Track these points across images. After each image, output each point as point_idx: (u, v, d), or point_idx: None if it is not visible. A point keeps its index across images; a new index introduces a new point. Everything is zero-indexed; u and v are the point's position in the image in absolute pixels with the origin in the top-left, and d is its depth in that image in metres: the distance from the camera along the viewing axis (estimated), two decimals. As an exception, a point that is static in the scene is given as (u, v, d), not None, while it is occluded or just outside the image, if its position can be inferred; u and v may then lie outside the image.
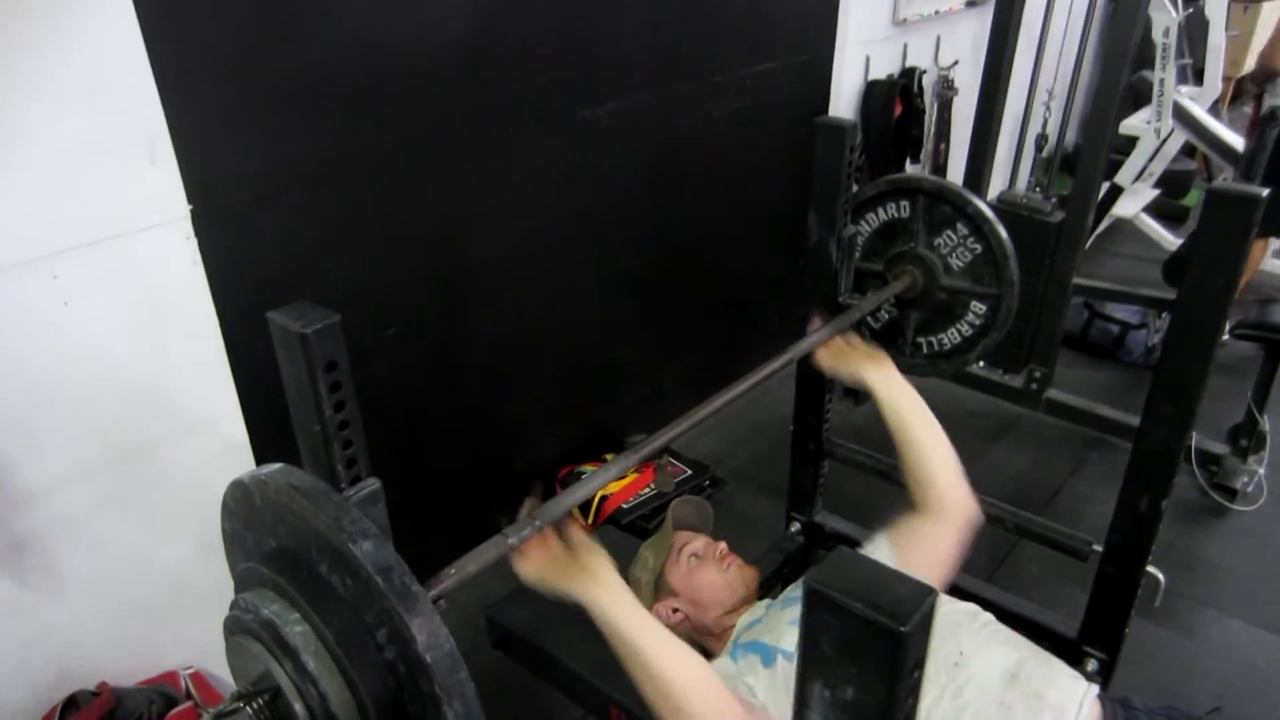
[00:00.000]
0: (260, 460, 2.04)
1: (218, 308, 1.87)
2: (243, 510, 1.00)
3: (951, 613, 1.54)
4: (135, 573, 1.92)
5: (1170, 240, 4.32)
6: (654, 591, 1.77)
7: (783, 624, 1.52)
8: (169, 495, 1.92)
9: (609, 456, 2.91)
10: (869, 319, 1.99)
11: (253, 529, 1.01)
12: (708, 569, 1.75)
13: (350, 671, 0.92)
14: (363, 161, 2.07)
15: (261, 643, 0.94)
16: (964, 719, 1.36)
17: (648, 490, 2.75)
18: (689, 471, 2.86)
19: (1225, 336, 2.78)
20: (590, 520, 2.70)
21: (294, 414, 1.07)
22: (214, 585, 2.05)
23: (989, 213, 1.80)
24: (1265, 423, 2.87)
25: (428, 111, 2.15)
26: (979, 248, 1.85)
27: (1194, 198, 5.05)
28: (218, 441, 1.97)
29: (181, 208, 1.76)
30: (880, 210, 1.90)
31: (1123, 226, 4.53)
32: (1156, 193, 4.42)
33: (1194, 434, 2.67)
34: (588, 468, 2.82)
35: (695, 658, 1.31)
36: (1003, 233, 1.81)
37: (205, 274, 1.83)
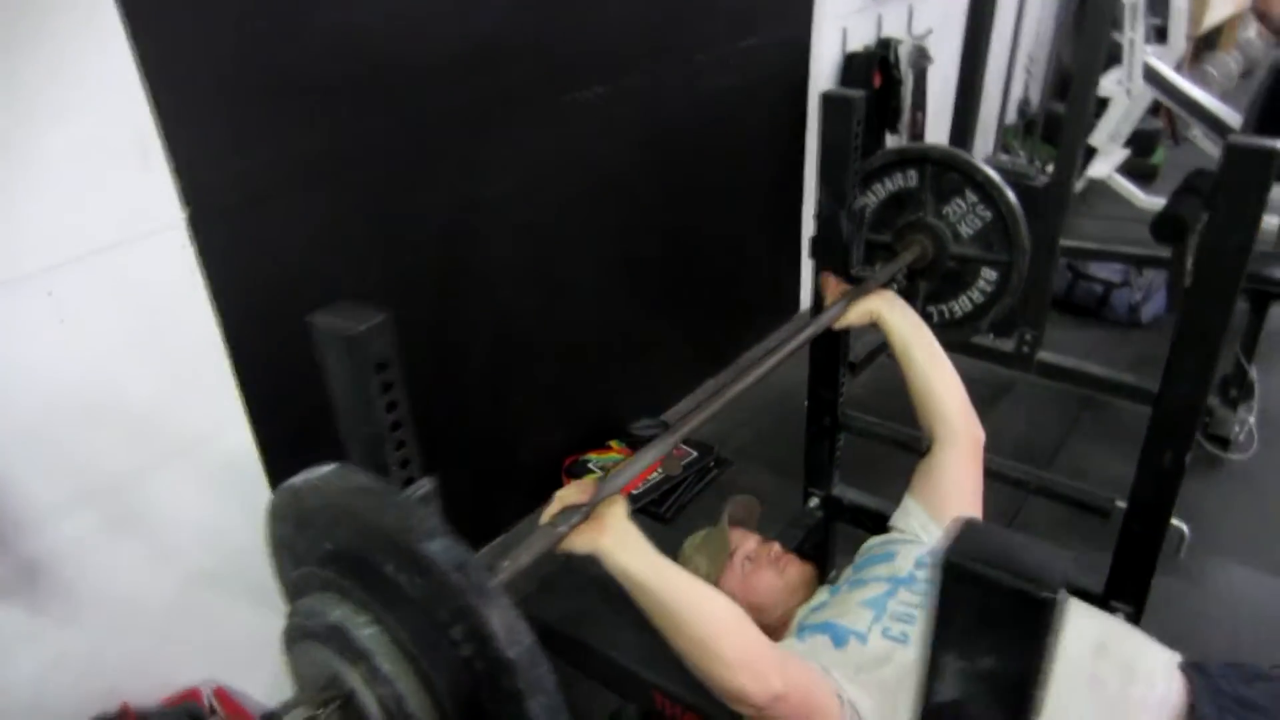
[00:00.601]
0: (272, 470, 2.00)
1: (219, 313, 1.83)
2: (293, 515, 0.97)
3: None
4: (149, 591, 1.88)
5: (1143, 199, 4.37)
6: None
7: (853, 606, 1.48)
8: (180, 509, 1.89)
9: (613, 444, 2.89)
10: (880, 290, 1.99)
11: (305, 533, 0.98)
12: (764, 573, 1.70)
13: (427, 671, 0.90)
14: (357, 158, 2.03)
15: (330, 648, 0.91)
16: (1054, 695, 1.33)
17: (656, 475, 2.74)
18: (694, 453, 2.85)
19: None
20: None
21: (342, 417, 1.04)
22: (231, 598, 2.02)
23: (999, 179, 1.80)
24: (1253, 372, 2.92)
25: (420, 105, 2.11)
26: (989, 215, 1.85)
27: (1161, 155, 5.11)
28: (225, 452, 1.94)
29: (177, 213, 1.72)
30: (888, 181, 1.90)
31: (1095, 187, 4.57)
32: (1126, 153, 4.46)
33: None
34: (593, 456, 2.80)
35: (721, 599, 1.27)
36: (1013, 198, 1.81)
37: (205, 279, 1.79)
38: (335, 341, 0.96)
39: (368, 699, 0.91)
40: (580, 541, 1.26)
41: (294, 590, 0.99)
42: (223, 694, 1.99)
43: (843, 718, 1.31)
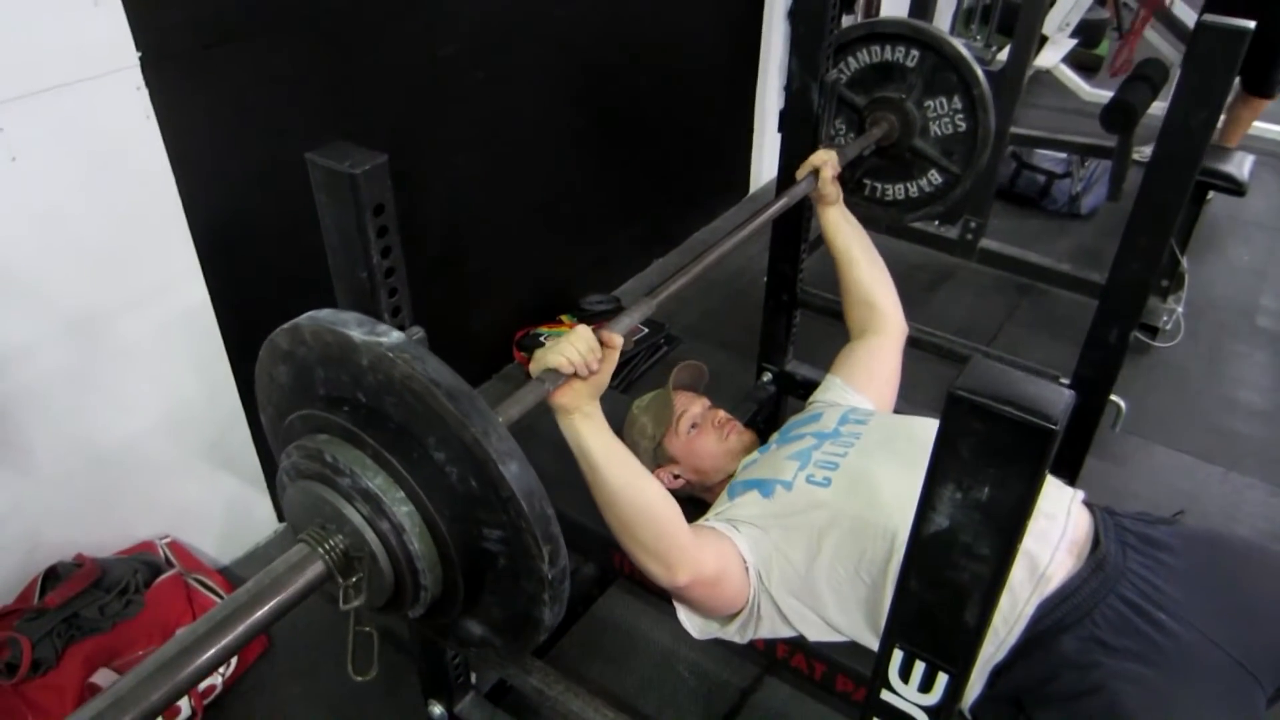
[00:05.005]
0: (225, 328, 1.96)
1: (172, 162, 1.77)
2: (329, 354, 0.92)
3: (929, 424, 1.54)
4: (103, 443, 1.86)
5: (1088, 90, 4.41)
6: (654, 458, 1.74)
7: (781, 460, 1.53)
8: (131, 361, 1.85)
9: (564, 318, 2.89)
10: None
11: (331, 372, 0.94)
12: (707, 438, 1.71)
13: (453, 556, 0.93)
14: (318, 7, 1.94)
15: (353, 504, 0.91)
16: None
17: (607, 348, 2.75)
18: (645, 329, 2.87)
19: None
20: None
21: (334, 260, 1.02)
22: (184, 453, 2.01)
23: (991, 101, 1.82)
24: (1185, 264, 3.01)
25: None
26: (964, 127, 1.87)
27: (1105, 48, 5.14)
28: (182, 306, 1.90)
29: (130, 55, 1.64)
30: (886, 49, 1.88)
31: (1039, 77, 4.59)
32: (1074, 43, 4.47)
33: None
34: (544, 329, 2.81)
35: (658, 490, 1.33)
36: (993, 124, 1.84)
37: (158, 127, 1.72)
38: (334, 180, 0.94)
39: (386, 566, 0.92)
40: (553, 399, 1.28)
41: (303, 422, 0.96)
42: (177, 547, 1.99)
43: (749, 593, 1.40)
